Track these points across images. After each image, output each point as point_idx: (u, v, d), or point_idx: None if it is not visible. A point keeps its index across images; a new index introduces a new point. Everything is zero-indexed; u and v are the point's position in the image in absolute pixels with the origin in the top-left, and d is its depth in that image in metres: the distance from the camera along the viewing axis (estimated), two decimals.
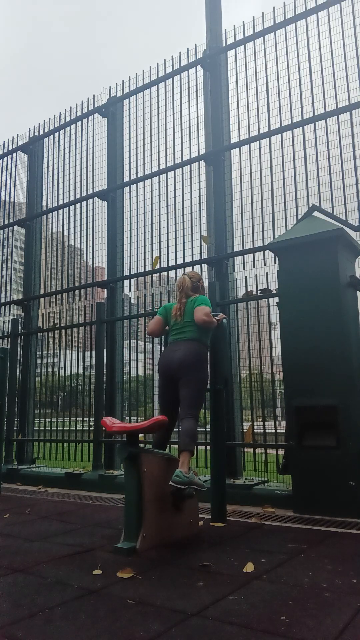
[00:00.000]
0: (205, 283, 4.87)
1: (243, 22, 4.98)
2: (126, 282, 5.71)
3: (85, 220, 6.06)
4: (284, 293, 3.91)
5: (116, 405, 5.38)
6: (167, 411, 3.30)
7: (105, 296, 5.72)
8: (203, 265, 4.93)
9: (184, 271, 5.00)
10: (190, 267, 4.99)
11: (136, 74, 5.83)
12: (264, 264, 4.47)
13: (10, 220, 7.19)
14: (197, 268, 4.96)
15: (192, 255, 5.02)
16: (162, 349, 4.48)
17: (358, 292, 3.93)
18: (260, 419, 4.32)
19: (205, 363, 3.28)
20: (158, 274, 5.38)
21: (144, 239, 5.45)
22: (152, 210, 5.44)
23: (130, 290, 6.00)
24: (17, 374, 6.33)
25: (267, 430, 4.26)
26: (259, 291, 4.43)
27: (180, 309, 3.40)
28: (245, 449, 4.50)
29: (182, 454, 2.99)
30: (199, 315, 3.26)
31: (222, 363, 3.44)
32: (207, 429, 4.59)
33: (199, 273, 3.69)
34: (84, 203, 6.11)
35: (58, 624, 1.79)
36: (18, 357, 6.38)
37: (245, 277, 4.53)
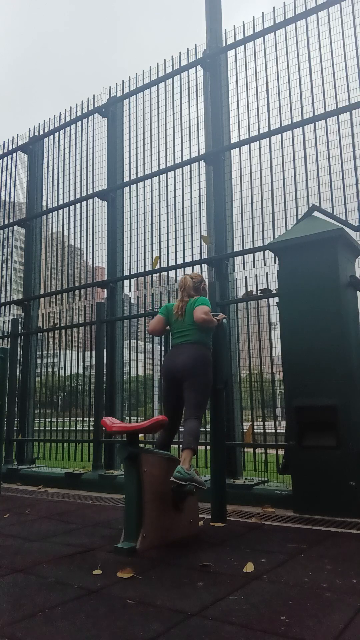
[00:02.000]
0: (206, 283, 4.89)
1: (243, 22, 4.99)
2: (126, 282, 5.71)
3: (85, 220, 6.06)
4: (284, 293, 3.91)
5: (116, 405, 5.38)
6: (171, 412, 3.33)
7: (105, 296, 5.72)
8: (203, 265, 4.93)
9: (184, 271, 5.03)
10: (190, 267, 4.99)
11: (136, 74, 5.84)
12: (264, 264, 4.47)
13: (10, 220, 7.19)
14: (197, 268, 4.96)
15: (192, 255, 5.02)
16: (162, 349, 4.49)
17: (358, 292, 3.93)
18: (260, 419, 4.32)
19: (210, 366, 3.29)
20: (158, 274, 5.38)
21: (144, 239, 5.45)
22: (152, 210, 5.44)
23: (130, 290, 6.00)
24: (17, 374, 6.33)
25: (267, 430, 4.26)
26: (259, 291, 4.43)
27: (182, 308, 3.40)
28: (245, 449, 4.49)
29: (185, 451, 3.01)
30: (198, 314, 3.27)
31: (222, 363, 3.44)
32: (207, 429, 4.59)
33: (201, 275, 3.71)
34: (84, 203, 6.11)
35: (58, 624, 1.79)
36: (18, 357, 6.38)
37: (245, 277, 4.53)
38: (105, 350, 5.47)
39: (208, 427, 4.28)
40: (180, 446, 3.32)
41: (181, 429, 3.35)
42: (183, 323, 3.37)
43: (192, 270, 4.98)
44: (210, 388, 3.29)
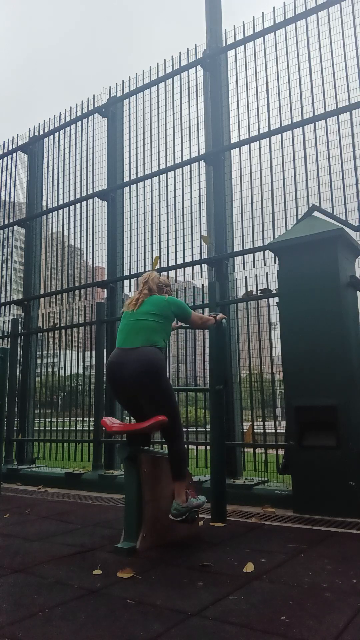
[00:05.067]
0: (205, 283, 4.90)
1: (243, 22, 4.98)
2: (126, 282, 5.70)
3: (85, 220, 6.06)
4: (284, 293, 3.91)
5: (116, 405, 5.37)
6: (138, 415, 3.02)
7: (105, 296, 5.72)
8: (203, 265, 4.93)
9: (184, 271, 5.04)
10: (190, 267, 4.99)
11: (136, 74, 5.84)
12: (264, 264, 4.47)
13: (10, 220, 7.19)
14: (197, 268, 4.96)
15: (192, 255, 5.02)
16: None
17: (358, 292, 3.93)
18: (260, 419, 4.32)
19: (165, 369, 2.91)
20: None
21: (144, 239, 5.45)
22: (152, 210, 5.44)
23: (130, 290, 5.99)
24: (17, 374, 6.32)
25: (267, 430, 4.26)
26: (259, 291, 4.43)
27: (139, 300, 3.00)
28: (245, 449, 4.49)
29: (176, 484, 2.83)
30: (195, 326, 3.27)
31: (222, 363, 3.44)
32: (207, 429, 4.59)
33: (170, 283, 3.34)
34: (84, 203, 6.11)
35: (58, 624, 1.79)
36: (18, 357, 6.38)
37: (245, 277, 4.53)
38: (105, 350, 5.47)
39: (208, 427, 4.28)
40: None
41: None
42: (133, 314, 2.95)
43: (192, 271, 4.99)
44: (172, 392, 2.92)
